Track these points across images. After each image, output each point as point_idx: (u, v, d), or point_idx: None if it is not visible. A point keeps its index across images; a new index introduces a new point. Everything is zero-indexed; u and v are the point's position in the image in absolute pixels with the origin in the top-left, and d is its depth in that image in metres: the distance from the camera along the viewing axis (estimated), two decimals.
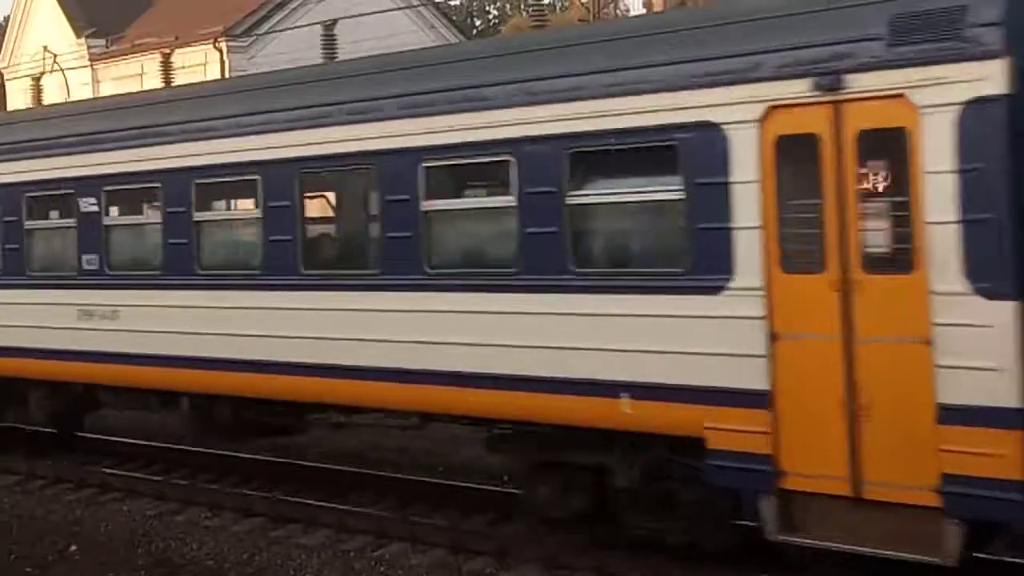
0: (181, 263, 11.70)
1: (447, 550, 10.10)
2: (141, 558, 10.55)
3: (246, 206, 12.13)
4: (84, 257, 12.71)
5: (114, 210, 12.78)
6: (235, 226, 12.61)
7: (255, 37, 33.37)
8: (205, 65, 32.69)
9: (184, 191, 11.61)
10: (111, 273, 12.47)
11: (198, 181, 11.53)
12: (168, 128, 11.98)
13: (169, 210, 11.79)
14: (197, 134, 11.60)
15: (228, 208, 12.87)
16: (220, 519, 11.67)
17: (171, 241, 11.80)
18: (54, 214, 13.86)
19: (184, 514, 11.94)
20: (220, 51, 32.90)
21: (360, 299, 10.19)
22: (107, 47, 36.26)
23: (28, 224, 13.57)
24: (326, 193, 12.18)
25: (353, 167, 10.71)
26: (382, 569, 9.71)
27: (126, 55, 35.12)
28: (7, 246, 13.74)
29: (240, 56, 32.87)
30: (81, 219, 12.80)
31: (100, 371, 12.68)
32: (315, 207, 12.02)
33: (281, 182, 10.74)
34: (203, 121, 11.72)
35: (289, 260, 10.69)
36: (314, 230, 11.95)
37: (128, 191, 12.65)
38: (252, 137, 11.10)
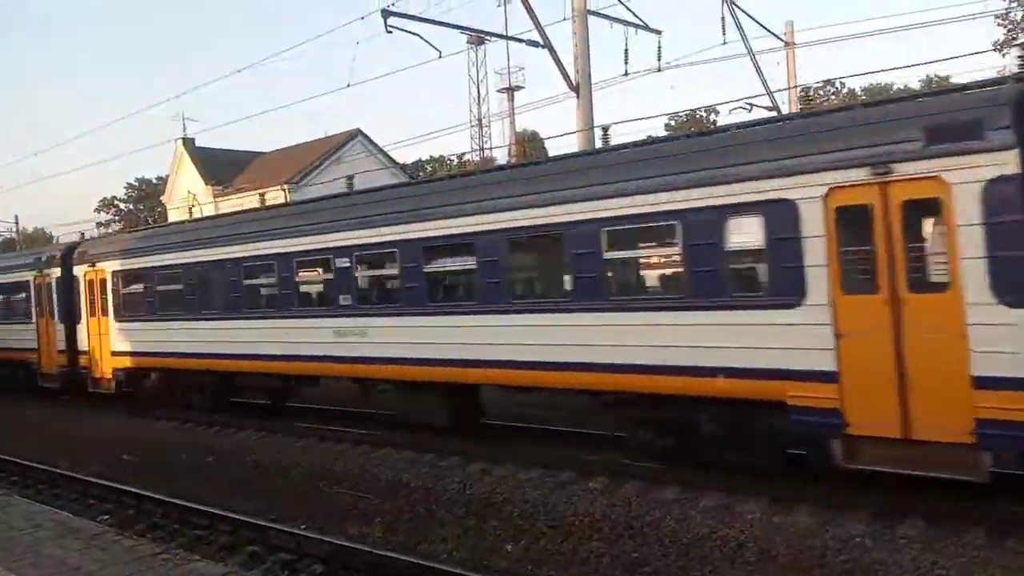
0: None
1: None
2: (248, 463, 12.56)
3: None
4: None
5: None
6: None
7: (304, 184, 39.26)
8: (277, 196, 38.27)
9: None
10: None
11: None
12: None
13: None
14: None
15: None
16: (306, 441, 13.81)
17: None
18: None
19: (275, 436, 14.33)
20: (284, 191, 39.16)
21: None
22: (223, 191, 44.25)
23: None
24: None
25: None
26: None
27: (232, 195, 42.77)
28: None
29: (295, 195, 37.37)
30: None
31: None
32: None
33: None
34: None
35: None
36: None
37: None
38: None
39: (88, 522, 8.92)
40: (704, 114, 54.94)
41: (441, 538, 8.36)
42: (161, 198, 51.31)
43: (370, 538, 8.45)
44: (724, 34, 20.46)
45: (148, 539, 8.50)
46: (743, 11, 20.86)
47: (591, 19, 19.02)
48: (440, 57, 18.94)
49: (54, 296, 20.18)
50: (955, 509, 7.87)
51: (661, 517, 8.60)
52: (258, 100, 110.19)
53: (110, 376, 18.37)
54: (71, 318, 19.55)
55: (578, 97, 19.04)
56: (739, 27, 20.33)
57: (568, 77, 19.00)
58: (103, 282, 18.55)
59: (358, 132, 43.57)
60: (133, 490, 10.70)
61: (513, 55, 50.29)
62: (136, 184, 79.66)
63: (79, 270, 19.40)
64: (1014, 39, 38.26)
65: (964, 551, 7.11)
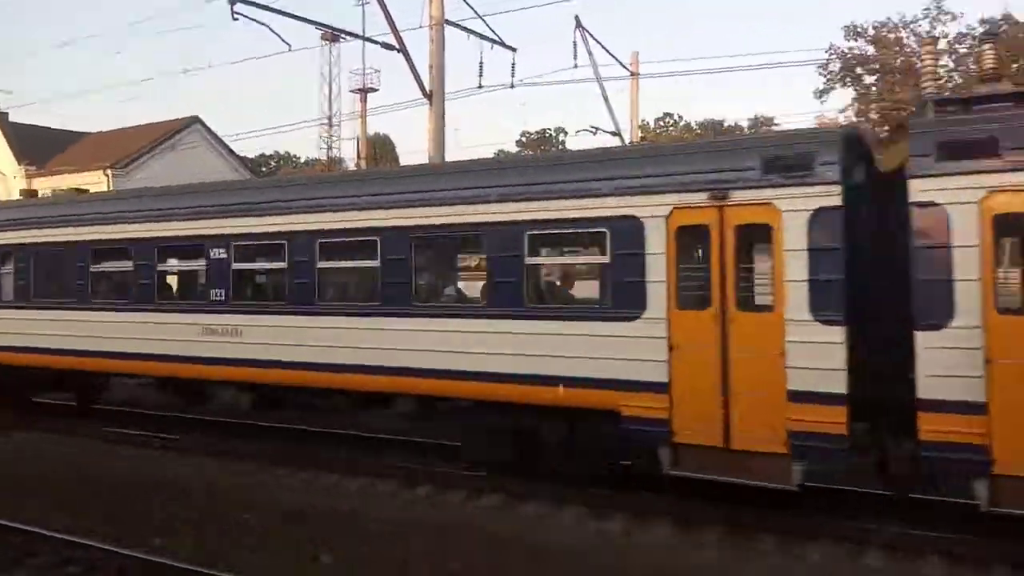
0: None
1: None
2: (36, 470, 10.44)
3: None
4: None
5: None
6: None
7: (132, 170, 36.24)
8: (99, 184, 34.73)
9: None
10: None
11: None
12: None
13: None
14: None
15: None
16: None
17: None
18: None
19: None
20: (108, 176, 35.90)
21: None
22: (38, 171, 40.08)
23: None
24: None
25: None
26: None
27: (48, 176, 38.79)
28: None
29: (120, 180, 34.95)
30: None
31: None
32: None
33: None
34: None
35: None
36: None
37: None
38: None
39: None
40: (553, 133, 56.74)
41: (252, 548, 7.97)
42: None
43: (178, 550, 7.89)
44: (575, 58, 21.27)
45: None
46: (594, 38, 21.79)
47: (448, 29, 19.16)
48: (290, 50, 18.38)
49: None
50: (752, 518, 8.49)
51: (483, 524, 8.69)
52: (88, 78, 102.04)
53: None
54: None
55: (431, 105, 19.07)
56: (589, 53, 21.20)
57: (422, 84, 18.97)
58: None
59: (196, 120, 41.27)
60: None
61: (369, 57, 49.83)
62: None
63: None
64: (832, 88, 42.32)
65: (755, 558, 7.69)
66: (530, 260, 9.33)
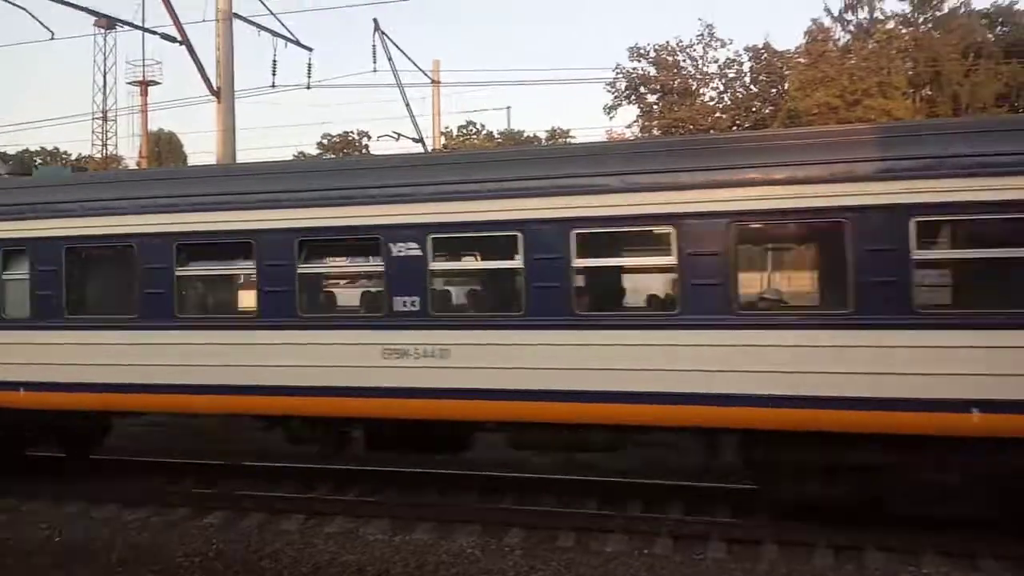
0: None
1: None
2: None
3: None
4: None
5: None
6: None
7: None
8: None
9: None
10: None
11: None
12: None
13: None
14: None
15: None
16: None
17: None
18: None
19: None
20: None
21: None
22: None
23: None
24: None
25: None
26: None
27: None
28: None
29: None
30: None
31: None
32: None
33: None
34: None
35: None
36: None
37: None
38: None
39: None
40: (356, 137, 55.86)
41: None
42: None
43: None
44: (375, 62, 20.99)
45: None
46: (394, 43, 21.61)
47: (238, 24, 18.23)
48: (52, 38, 16.63)
49: None
50: (550, 517, 8.78)
51: (282, 548, 8.28)
52: None
53: None
54: None
55: (219, 102, 18.06)
56: (389, 58, 20.99)
57: (208, 80, 17.92)
58: None
59: None
60: None
61: (151, 49, 46.37)
62: None
63: None
64: (619, 104, 45.25)
65: (556, 555, 7.92)
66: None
